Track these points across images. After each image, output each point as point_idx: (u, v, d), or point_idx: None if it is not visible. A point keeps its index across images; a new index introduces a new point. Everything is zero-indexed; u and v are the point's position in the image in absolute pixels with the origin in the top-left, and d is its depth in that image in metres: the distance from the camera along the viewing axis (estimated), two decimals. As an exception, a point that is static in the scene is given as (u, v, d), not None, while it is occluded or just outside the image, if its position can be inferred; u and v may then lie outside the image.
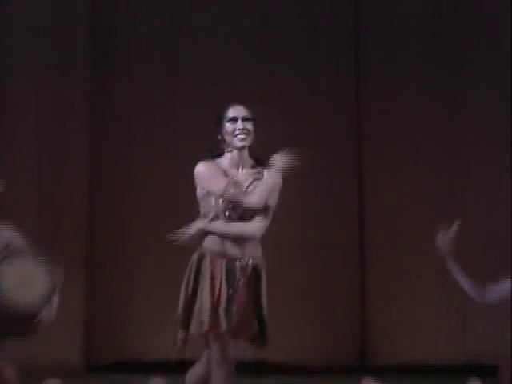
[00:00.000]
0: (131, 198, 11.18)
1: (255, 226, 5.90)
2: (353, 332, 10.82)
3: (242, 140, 5.98)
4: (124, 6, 12.27)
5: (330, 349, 10.67)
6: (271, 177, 5.97)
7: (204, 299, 5.93)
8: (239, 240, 5.93)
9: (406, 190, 11.31)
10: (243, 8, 12.15)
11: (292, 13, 11.99)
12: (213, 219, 5.99)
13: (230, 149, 6.03)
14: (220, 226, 5.90)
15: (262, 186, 5.95)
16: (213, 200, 5.99)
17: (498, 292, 6.50)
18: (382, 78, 12.01)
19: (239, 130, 6.00)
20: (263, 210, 5.94)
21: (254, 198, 5.90)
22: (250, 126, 6.02)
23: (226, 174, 5.99)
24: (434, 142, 11.85)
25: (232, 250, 6.00)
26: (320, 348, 10.70)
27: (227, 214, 5.92)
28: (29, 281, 6.20)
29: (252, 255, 6.02)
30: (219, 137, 6.02)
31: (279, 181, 6.01)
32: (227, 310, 5.90)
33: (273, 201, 5.97)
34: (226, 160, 6.05)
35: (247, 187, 5.97)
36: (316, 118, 11.66)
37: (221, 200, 5.93)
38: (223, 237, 5.92)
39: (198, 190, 6.03)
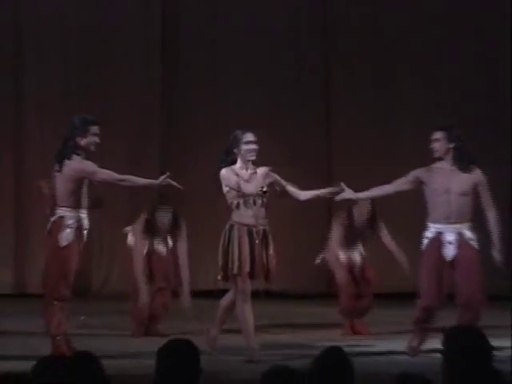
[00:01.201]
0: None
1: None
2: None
3: (252, 156, 8.38)
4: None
5: (319, 278, 12.02)
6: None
7: (234, 253, 8.23)
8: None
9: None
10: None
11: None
12: (237, 206, 8.28)
13: (242, 161, 8.39)
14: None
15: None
16: (233, 192, 8.29)
17: None
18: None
19: (252, 149, 8.36)
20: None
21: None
22: (255, 146, 8.38)
23: (237, 174, 8.33)
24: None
25: (250, 221, 8.30)
26: (310, 278, 12.29)
27: (241, 201, 8.28)
28: None
29: (263, 224, 8.34)
30: (235, 150, 8.34)
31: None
32: (248, 259, 8.24)
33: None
34: (238, 165, 8.38)
35: (257, 183, 8.31)
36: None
37: (234, 191, 8.28)
38: None
39: (223, 188, 8.33)
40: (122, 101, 13.52)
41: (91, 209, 8.43)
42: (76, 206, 8.28)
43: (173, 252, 10.02)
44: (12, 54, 13.58)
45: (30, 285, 13.09)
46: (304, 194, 8.58)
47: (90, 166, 8.21)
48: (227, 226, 8.32)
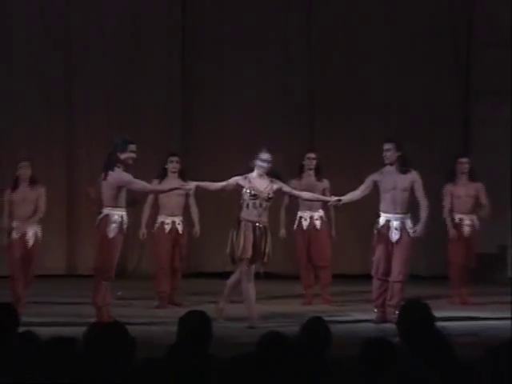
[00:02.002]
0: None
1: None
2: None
3: (263, 171, 8.64)
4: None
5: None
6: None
7: (240, 243, 8.51)
8: None
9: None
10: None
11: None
12: (247, 206, 8.54)
13: (258, 170, 8.67)
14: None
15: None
16: (246, 195, 8.54)
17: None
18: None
19: (263, 166, 8.64)
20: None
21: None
22: (267, 164, 8.65)
23: (250, 181, 8.61)
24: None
25: (254, 218, 8.55)
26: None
27: (251, 203, 8.55)
28: None
29: (263, 221, 8.61)
30: (254, 162, 8.65)
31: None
32: (251, 248, 8.54)
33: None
34: (255, 173, 8.65)
35: (265, 190, 8.61)
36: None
37: (248, 194, 8.55)
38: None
39: (241, 190, 8.59)
40: (147, 120, 13.47)
41: (128, 207, 8.71)
42: (118, 205, 8.55)
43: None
44: (63, 76, 13.41)
45: (80, 267, 13.23)
46: (305, 194, 9.21)
47: (127, 177, 8.51)
48: (237, 222, 8.63)
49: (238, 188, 8.63)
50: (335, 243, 10.52)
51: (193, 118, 13.53)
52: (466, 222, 10.47)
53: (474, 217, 10.50)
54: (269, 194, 8.60)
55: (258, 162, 8.65)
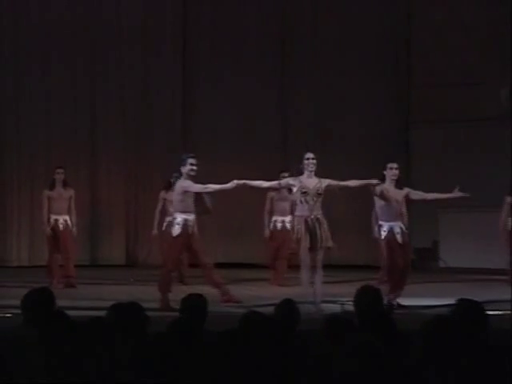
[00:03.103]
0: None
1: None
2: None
3: (312, 169, 7.96)
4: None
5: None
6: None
7: (298, 235, 7.88)
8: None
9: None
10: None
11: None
12: (301, 202, 7.89)
13: (306, 171, 7.97)
14: None
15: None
16: (298, 193, 7.91)
17: None
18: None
19: (312, 164, 7.95)
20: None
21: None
22: (314, 161, 7.97)
23: (301, 181, 7.92)
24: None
25: (306, 212, 7.91)
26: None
27: (303, 199, 7.89)
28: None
29: (316, 214, 7.94)
30: (301, 166, 7.97)
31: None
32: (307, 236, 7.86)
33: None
34: (305, 175, 7.96)
35: (315, 187, 7.90)
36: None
37: (299, 192, 7.89)
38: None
39: (293, 190, 8.03)
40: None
41: (200, 215, 8.38)
42: (183, 210, 8.24)
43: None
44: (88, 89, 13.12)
45: (100, 258, 13.19)
46: (352, 182, 8.15)
47: (187, 183, 8.21)
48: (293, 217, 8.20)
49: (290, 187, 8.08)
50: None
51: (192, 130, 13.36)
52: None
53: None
54: (318, 189, 7.94)
55: (305, 161, 7.99)
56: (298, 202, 7.96)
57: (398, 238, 8.29)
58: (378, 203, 8.40)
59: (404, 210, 8.91)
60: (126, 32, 13.23)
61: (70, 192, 10.11)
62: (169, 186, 10.21)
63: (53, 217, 9.95)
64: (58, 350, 3.66)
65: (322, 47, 13.10)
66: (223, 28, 13.26)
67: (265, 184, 8.17)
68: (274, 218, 10.55)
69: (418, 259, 12.24)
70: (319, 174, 8.11)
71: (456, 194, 8.32)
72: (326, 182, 8.00)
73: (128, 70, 13.19)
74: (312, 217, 7.90)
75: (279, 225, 10.56)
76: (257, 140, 13.03)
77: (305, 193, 7.90)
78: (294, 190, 8.01)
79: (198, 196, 8.26)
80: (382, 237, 8.34)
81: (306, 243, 7.84)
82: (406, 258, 8.37)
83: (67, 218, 9.99)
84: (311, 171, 7.94)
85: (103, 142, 13.23)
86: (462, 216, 11.96)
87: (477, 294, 6.77)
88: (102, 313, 3.98)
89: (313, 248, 7.88)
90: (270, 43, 13.21)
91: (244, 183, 7.97)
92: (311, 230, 7.88)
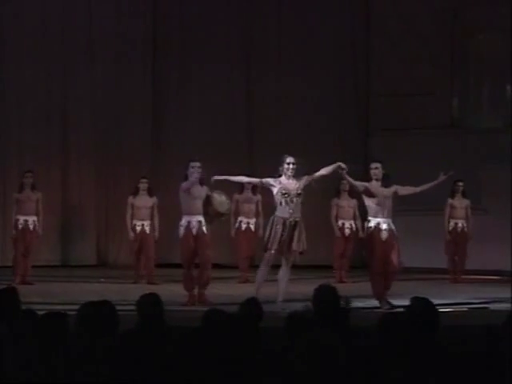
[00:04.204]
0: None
1: None
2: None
3: (292, 174, 7.72)
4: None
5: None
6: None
7: (273, 235, 7.68)
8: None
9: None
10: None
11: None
12: (281, 204, 7.67)
13: (285, 175, 7.75)
14: None
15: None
16: (279, 195, 7.68)
17: None
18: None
19: (292, 170, 7.72)
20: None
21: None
22: (294, 166, 7.73)
23: (281, 182, 7.69)
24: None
25: (286, 214, 7.69)
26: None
27: (284, 200, 7.65)
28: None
29: (295, 217, 7.74)
30: (281, 168, 7.74)
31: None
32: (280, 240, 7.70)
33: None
34: (283, 177, 7.73)
35: (294, 187, 7.69)
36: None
37: (280, 194, 7.67)
38: None
39: (273, 192, 7.74)
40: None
41: (210, 223, 8.22)
42: (186, 212, 8.16)
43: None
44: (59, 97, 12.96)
45: (72, 259, 13.02)
46: (324, 170, 7.91)
47: (183, 184, 8.10)
48: (271, 218, 7.88)
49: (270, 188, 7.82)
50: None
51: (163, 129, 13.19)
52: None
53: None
54: (297, 190, 7.74)
55: (285, 166, 7.77)
56: (279, 203, 7.74)
57: (382, 235, 8.05)
58: (366, 200, 8.20)
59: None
60: (97, 35, 13.07)
61: (38, 195, 10.24)
62: (136, 192, 10.21)
63: (22, 218, 10.01)
64: (25, 347, 3.59)
65: (285, 59, 13.12)
66: (192, 33, 13.21)
67: (245, 179, 8.13)
68: (239, 219, 10.56)
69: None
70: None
71: (441, 178, 8.16)
72: (303, 179, 7.78)
73: (99, 71, 13.05)
74: (291, 219, 7.72)
75: (244, 226, 10.57)
76: (223, 141, 12.96)
77: (285, 194, 7.70)
78: (275, 191, 7.78)
79: (207, 199, 8.04)
80: (367, 232, 8.15)
81: (275, 245, 7.68)
82: (388, 256, 8.02)
83: (35, 218, 10.09)
84: (290, 176, 7.75)
85: (74, 143, 13.10)
86: (416, 218, 12.05)
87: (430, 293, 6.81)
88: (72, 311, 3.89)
89: (280, 251, 7.72)
90: (237, 58, 13.25)
91: (225, 179, 7.82)
92: (287, 233, 7.69)
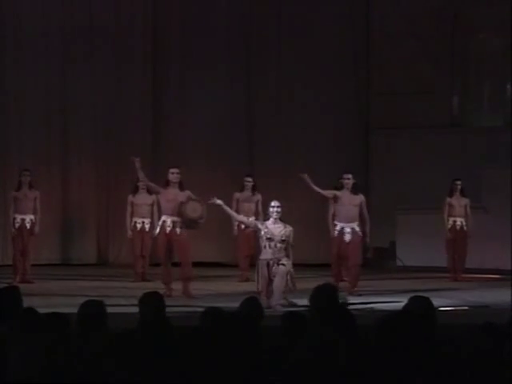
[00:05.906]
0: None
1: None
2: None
3: (277, 217, 7.96)
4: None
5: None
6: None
7: (261, 280, 7.88)
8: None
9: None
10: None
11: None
12: (265, 247, 7.89)
13: (271, 218, 7.97)
14: None
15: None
16: (263, 238, 7.91)
17: None
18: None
19: (276, 213, 7.95)
20: None
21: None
22: (279, 209, 7.97)
23: (267, 227, 7.95)
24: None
25: (269, 256, 7.89)
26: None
27: (267, 244, 7.91)
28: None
29: (278, 256, 7.92)
30: (267, 212, 8.07)
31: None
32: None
33: None
34: (270, 221, 7.97)
35: (279, 233, 7.89)
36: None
37: (264, 237, 7.90)
38: None
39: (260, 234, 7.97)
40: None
41: (188, 228, 8.64)
42: (163, 213, 8.78)
43: None
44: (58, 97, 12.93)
45: (73, 257, 13.06)
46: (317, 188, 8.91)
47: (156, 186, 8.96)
48: (258, 263, 8.07)
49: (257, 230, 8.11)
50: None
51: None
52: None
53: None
54: (282, 237, 7.95)
55: (270, 209, 8.05)
56: (263, 246, 7.99)
57: (346, 237, 8.91)
58: (334, 206, 9.21)
59: (365, 213, 9.16)
60: (97, 33, 13.04)
61: (35, 193, 10.20)
62: (136, 190, 10.20)
63: (19, 216, 10.00)
64: (27, 347, 3.59)
65: (285, 59, 13.09)
66: (193, 33, 13.18)
67: (238, 218, 8.88)
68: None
69: (376, 259, 12.30)
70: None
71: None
72: (289, 228, 7.99)
73: (99, 71, 13.04)
74: (274, 258, 7.89)
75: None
76: (223, 140, 12.94)
77: (269, 239, 7.93)
78: (260, 234, 8.00)
79: (180, 205, 8.49)
80: (334, 235, 9.10)
81: (265, 289, 7.83)
82: (353, 256, 8.91)
83: (32, 217, 10.08)
84: (276, 218, 7.98)
85: (74, 143, 13.07)
86: (416, 218, 12.05)
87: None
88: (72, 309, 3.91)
89: (270, 295, 7.80)
90: (237, 58, 13.19)
91: (220, 205, 8.21)
92: (272, 274, 7.85)
